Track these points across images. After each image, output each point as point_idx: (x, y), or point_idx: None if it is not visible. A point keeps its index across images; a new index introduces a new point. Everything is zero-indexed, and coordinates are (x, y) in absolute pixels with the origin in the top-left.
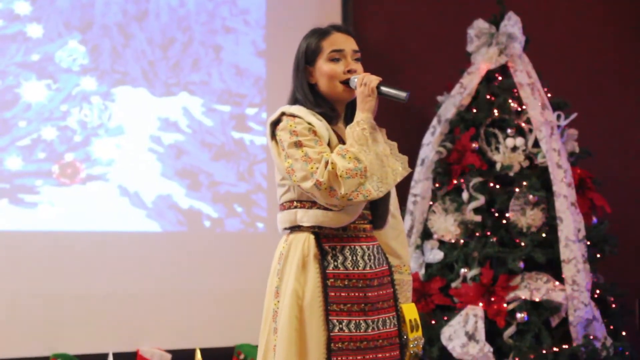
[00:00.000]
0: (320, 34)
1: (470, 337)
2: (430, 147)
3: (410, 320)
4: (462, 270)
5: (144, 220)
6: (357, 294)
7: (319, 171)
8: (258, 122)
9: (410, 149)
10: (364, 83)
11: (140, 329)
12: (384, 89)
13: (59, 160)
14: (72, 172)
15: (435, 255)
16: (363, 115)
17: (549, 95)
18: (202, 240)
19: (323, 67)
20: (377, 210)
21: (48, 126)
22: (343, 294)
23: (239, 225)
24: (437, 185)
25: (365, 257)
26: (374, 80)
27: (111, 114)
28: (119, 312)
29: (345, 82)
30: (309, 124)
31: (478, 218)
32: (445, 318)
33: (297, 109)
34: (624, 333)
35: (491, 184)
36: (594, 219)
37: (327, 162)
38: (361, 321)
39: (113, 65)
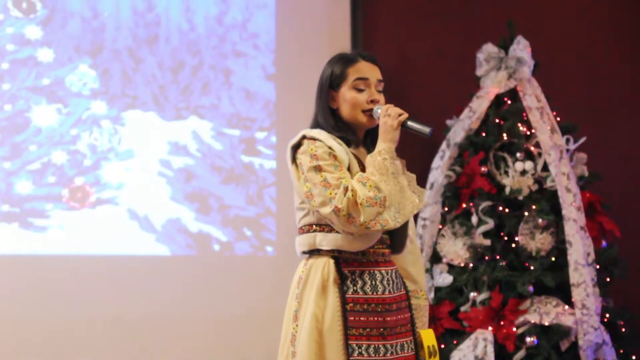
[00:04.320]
0: (347, 60)
1: None
2: (439, 171)
3: (428, 347)
4: (472, 294)
5: (153, 244)
6: (376, 319)
7: (338, 197)
8: (267, 146)
9: (419, 172)
10: (389, 114)
11: (149, 353)
12: (409, 123)
13: (69, 184)
14: (82, 196)
15: (445, 279)
16: (385, 145)
17: (558, 119)
18: (211, 263)
19: (346, 95)
20: (395, 236)
21: (58, 150)
22: (362, 319)
23: (248, 249)
24: (446, 209)
25: (385, 282)
26: (401, 115)
27: (121, 138)
28: (127, 336)
29: (369, 111)
30: (330, 148)
31: (487, 242)
32: (455, 342)
33: (318, 133)
34: (633, 357)
35: (500, 208)
36: (604, 243)
37: (346, 189)
38: (380, 345)
39: (123, 89)
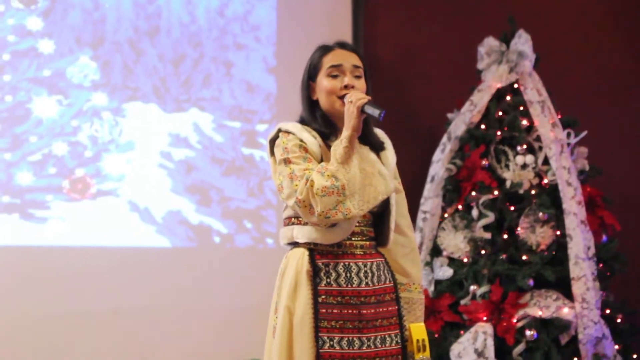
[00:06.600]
0: (323, 50)
1: (480, 354)
2: (440, 164)
3: (417, 341)
4: (472, 288)
5: (153, 235)
6: (350, 311)
7: (299, 189)
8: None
9: (420, 165)
10: (350, 100)
11: (149, 345)
12: (366, 107)
13: (70, 175)
14: (83, 188)
15: (445, 272)
16: (347, 133)
17: (559, 113)
18: (211, 256)
19: (322, 83)
20: (378, 228)
21: (59, 141)
22: (335, 311)
23: (249, 241)
24: (446, 202)
25: (361, 274)
26: (360, 99)
27: (122, 130)
28: (127, 328)
29: (342, 98)
30: (301, 140)
31: (488, 235)
32: (455, 335)
33: (292, 125)
34: (634, 354)
35: (501, 201)
36: (604, 237)
37: (307, 180)
38: (355, 338)
39: (124, 81)
